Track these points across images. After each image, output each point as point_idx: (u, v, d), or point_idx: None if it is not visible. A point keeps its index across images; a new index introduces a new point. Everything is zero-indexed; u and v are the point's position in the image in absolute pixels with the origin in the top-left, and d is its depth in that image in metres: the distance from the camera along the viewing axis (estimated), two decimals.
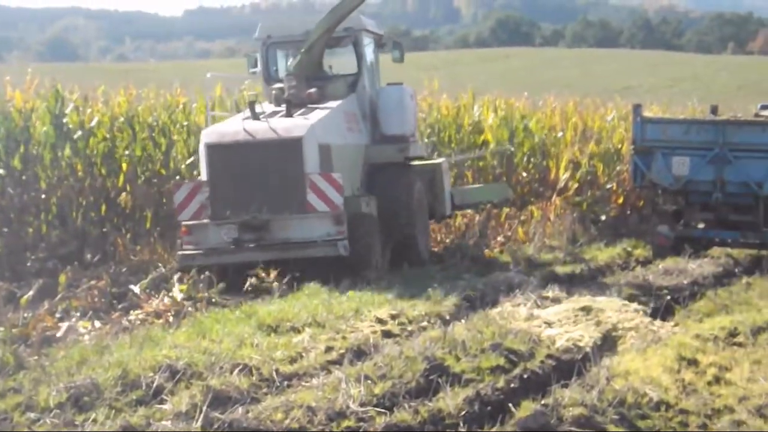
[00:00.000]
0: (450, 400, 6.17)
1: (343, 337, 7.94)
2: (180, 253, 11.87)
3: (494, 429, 5.89)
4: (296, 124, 11.94)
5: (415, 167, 13.95)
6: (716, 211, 14.44)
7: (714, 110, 15.86)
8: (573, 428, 5.71)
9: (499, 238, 15.52)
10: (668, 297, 10.61)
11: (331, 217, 11.55)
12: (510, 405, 6.29)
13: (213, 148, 11.86)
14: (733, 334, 8.25)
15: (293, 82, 12.84)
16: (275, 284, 10.65)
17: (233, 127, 12.17)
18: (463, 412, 6.09)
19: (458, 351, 7.30)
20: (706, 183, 14.28)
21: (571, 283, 11.57)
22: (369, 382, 6.45)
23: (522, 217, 16.60)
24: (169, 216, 15.29)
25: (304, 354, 7.42)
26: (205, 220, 11.78)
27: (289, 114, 12.28)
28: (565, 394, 6.18)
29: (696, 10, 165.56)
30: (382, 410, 6.02)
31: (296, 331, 8.19)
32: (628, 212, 19.18)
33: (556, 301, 10.17)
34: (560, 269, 12.76)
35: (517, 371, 7.06)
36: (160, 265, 12.49)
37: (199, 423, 5.65)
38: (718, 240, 14.80)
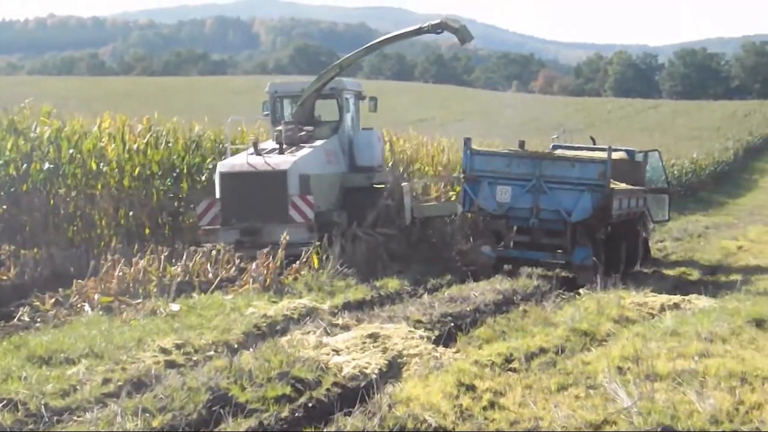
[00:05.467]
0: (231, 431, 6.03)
1: (123, 369, 7.61)
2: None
3: None
4: (284, 160, 16.16)
5: (380, 189, 17.84)
6: (531, 234, 16.22)
7: (521, 145, 17.32)
8: None
9: (294, 265, 15.45)
10: (452, 324, 10.88)
11: (305, 226, 15.65)
12: None
13: (224, 176, 16.13)
14: (508, 359, 8.55)
15: (289, 126, 17.18)
16: (51, 313, 10.09)
17: (239, 161, 16.43)
18: None
19: (244, 380, 7.19)
20: (524, 210, 15.96)
21: (362, 310, 11.65)
22: (147, 415, 6.22)
23: (317, 243, 16.61)
24: None
25: (78, 387, 7.04)
26: (218, 226, 15.76)
27: (281, 151, 16.54)
28: (347, 421, 6.21)
29: (484, 48, 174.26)
30: None
31: (71, 362, 7.78)
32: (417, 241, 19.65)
33: (345, 328, 10.23)
34: (351, 296, 12.84)
35: (302, 400, 7.02)
36: None
37: None
38: (532, 260, 16.46)
